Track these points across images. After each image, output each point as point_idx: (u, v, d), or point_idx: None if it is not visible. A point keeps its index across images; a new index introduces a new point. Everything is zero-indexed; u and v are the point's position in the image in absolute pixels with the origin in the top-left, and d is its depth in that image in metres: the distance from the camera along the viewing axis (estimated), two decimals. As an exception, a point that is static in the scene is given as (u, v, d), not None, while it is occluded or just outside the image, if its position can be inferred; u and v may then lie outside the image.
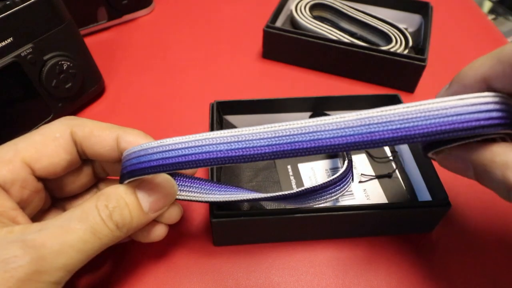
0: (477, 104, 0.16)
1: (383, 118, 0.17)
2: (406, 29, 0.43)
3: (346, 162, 0.27)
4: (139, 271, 0.26)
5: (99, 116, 0.37)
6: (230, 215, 0.24)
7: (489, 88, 0.17)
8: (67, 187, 0.24)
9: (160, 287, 0.25)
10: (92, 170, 0.25)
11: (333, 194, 0.25)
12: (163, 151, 0.19)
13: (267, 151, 0.18)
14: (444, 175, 0.27)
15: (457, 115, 0.16)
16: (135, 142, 0.22)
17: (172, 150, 0.19)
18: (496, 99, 0.16)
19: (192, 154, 0.19)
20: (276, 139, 0.18)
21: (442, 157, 0.19)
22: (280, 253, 0.27)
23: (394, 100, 0.33)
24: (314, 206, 0.25)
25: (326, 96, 0.32)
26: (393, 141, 0.17)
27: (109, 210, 0.19)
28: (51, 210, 0.24)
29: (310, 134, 0.17)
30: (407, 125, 0.16)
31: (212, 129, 0.29)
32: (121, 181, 0.21)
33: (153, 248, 0.27)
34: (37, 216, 0.23)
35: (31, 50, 0.30)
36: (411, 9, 0.45)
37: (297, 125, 0.18)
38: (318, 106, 0.33)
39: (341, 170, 0.26)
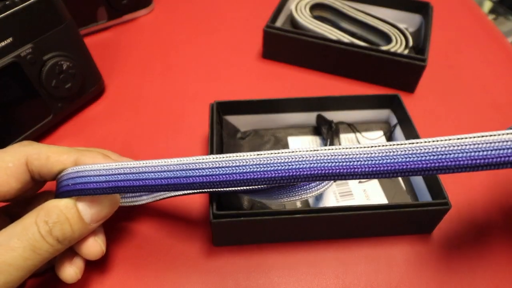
0: None
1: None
2: (406, 29, 0.43)
3: None
4: (139, 271, 0.26)
5: (99, 116, 0.36)
6: (230, 216, 0.24)
7: None
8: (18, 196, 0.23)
9: (160, 287, 0.25)
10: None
11: (308, 190, 0.24)
12: (100, 175, 0.20)
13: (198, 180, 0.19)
14: (444, 175, 0.27)
15: None
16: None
17: (109, 174, 0.20)
18: None
19: (125, 180, 0.20)
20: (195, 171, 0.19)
21: None
22: (280, 253, 0.27)
23: (394, 100, 0.33)
24: (304, 199, 0.24)
25: (326, 96, 0.32)
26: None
27: (48, 226, 0.19)
28: None
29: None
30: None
31: (212, 129, 0.29)
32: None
33: (153, 248, 0.27)
34: None
35: (30, 50, 0.30)
36: (411, 9, 0.45)
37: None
38: (318, 106, 0.33)
39: None
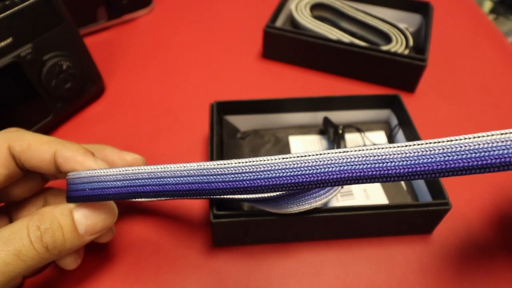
0: None
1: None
2: (406, 29, 0.43)
3: None
4: (139, 271, 0.25)
5: (99, 117, 0.36)
6: (230, 216, 0.24)
7: None
8: (12, 193, 0.23)
9: (160, 287, 0.25)
10: (39, 174, 0.24)
11: (317, 198, 0.24)
12: (116, 180, 0.19)
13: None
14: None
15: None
16: (72, 158, 0.21)
17: (126, 179, 0.19)
18: None
19: (144, 185, 0.19)
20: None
21: None
22: (280, 253, 0.27)
23: (394, 100, 0.33)
24: (314, 207, 0.24)
25: (326, 96, 0.32)
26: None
27: (40, 232, 0.19)
28: None
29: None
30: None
31: (212, 129, 0.29)
32: (68, 202, 0.21)
33: (153, 248, 0.27)
34: None
35: (30, 50, 0.30)
36: (412, 9, 0.45)
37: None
38: (318, 106, 0.33)
39: None
